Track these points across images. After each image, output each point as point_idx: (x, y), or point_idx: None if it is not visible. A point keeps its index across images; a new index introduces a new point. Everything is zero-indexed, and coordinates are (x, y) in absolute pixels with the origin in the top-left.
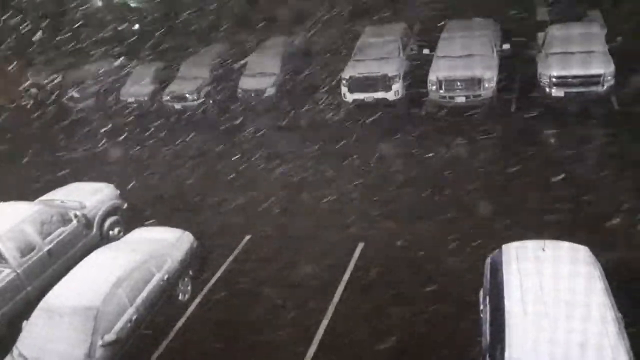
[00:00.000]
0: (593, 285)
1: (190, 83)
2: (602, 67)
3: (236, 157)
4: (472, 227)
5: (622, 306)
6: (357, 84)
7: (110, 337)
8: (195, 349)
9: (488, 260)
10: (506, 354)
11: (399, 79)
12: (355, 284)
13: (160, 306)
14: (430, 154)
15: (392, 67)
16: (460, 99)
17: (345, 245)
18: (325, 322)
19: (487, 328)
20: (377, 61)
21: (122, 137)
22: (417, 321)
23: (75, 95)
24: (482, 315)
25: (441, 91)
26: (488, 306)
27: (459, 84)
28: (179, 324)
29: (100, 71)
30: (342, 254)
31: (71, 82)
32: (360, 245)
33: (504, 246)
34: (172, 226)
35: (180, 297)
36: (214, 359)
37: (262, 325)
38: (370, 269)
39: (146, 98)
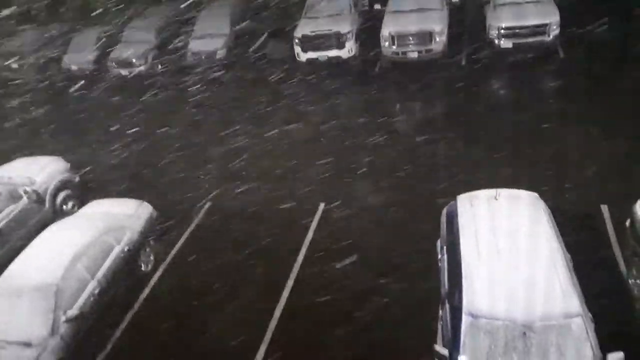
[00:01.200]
0: (543, 229)
1: (136, 47)
2: (548, 17)
3: (187, 124)
4: (423, 179)
5: (569, 247)
6: (310, 43)
7: (73, 312)
8: (161, 318)
9: (444, 211)
10: (464, 300)
11: (352, 36)
12: (318, 244)
13: (123, 278)
14: (382, 115)
15: (345, 25)
16: (413, 55)
17: (306, 206)
18: (290, 284)
19: (445, 277)
20: (328, 18)
21: (66, 106)
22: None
23: (14, 66)
24: (440, 265)
25: (394, 47)
26: (445, 255)
27: (410, 38)
28: (144, 294)
29: (40, 38)
30: (304, 215)
31: (8, 52)
32: (322, 206)
33: (458, 197)
34: (128, 197)
35: (143, 268)
36: (181, 326)
37: (228, 290)
38: (333, 229)
39: (90, 65)
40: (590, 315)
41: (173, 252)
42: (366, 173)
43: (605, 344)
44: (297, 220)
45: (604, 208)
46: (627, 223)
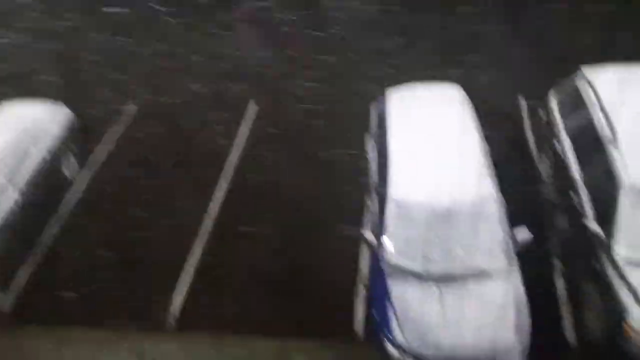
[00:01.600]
0: (465, 120)
1: None
2: None
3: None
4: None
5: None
6: None
7: None
8: (88, 222)
9: (373, 105)
10: (390, 187)
11: None
12: (254, 135)
13: (46, 186)
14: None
15: None
16: None
17: (237, 103)
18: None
19: (374, 168)
20: None
21: None
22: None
23: None
24: (369, 157)
25: None
26: (375, 147)
27: None
28: (68, 201)
29: None
30: (236, 112)
31: None
32: (252, 102)
33: (387, 90)
34: (43, 99)
35: (66, 174)
36: (111, 230)
37: (158, 192)
38: (265, 122)
39: None
40: (502, 197)
41: (98, 156)
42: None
43: (516, 222)
44: (230, 117)
45: (521, 99)
46: (540, 112)
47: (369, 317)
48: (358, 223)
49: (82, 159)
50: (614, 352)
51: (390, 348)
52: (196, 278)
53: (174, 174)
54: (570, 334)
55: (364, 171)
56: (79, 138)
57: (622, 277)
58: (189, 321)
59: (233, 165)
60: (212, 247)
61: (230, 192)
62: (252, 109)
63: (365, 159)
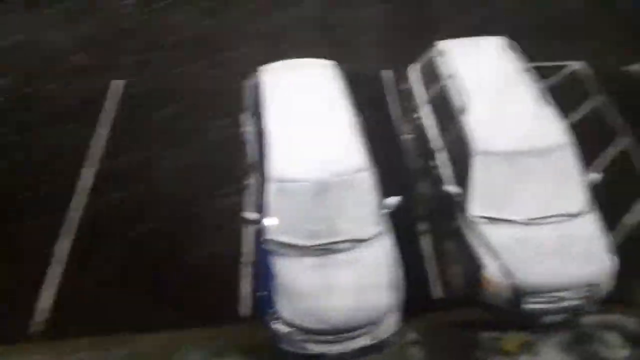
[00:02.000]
0: (337, 95)
1: None
2: None
3: None
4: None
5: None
6: None
7: None
8: None
9: (247, 83)
10: (269, 167)
11: None
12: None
13: None
14: None
15: None
16: None
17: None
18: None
19: (251, 147)
20: None
21: None
22: None
23: None
24: (246, 136)
25: None
26: (251, 126)
27: None
28: None
29: None
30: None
31: None
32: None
33: (261, 68)
34: None
35: None
36: None
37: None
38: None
39: None
40: (374, 168)
41: None
42: None
43: (386, 189)
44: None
45: (386, 72)
46: (403, 85)
47: (255, 297)
48: (239, 203)
49: None
50: (474, 302)
51: (275, 324)
52: (66, 275)
53: (32, 170)
54: (436, 288)
55: (241, 150)
56: None
57: (477, 233)
58: (61, 325)
59: (99, 151)
60: (82, 238)
61: (98, 178)
62: (115, 87)
63: (242, 138)
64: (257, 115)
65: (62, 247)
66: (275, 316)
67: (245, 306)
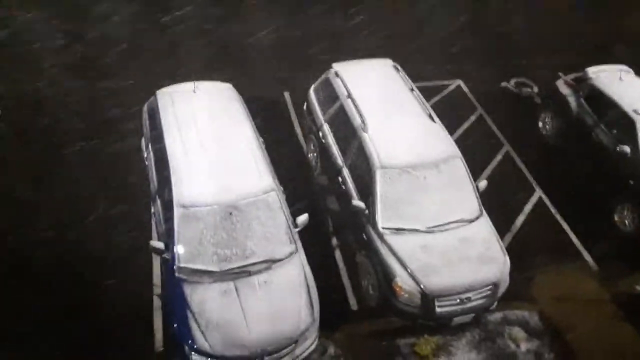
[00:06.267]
0: (238, 117)
1: None
2: None
3: None
4: None
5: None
6: None
7: None
8: None
9: (145, 108)
10: (173, 193)
11: None
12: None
13: None
14: None
15: None
16: None
17: None
18: None
19: (153, 173)
20: None
21: None
22: None
23: None
24: (147, 163)
25: None
26: (151, 152)
27: None
28: None
29: None
30: None
31: None
32: None
33: (158, 92)
34: None
35: None
36: None
37: None
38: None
39: None
40: (281, 187)
41: None
42: None
43: (294, 208)
44: None
45: (286, 94)
46: (304, 106)
47: (170, 329)
48: (146, 231)
49: None
50: (389, 311)
51: (195, 357)
52: None
53: None
54: (351, 299)
55: (144, 177)
56: None
57: (386, 244)
58: None
59: None
60: None
61: None
62: None
63: (144, 164)
64: (158, 139)
65: None
66: (194, 349)
67: (160, 340)
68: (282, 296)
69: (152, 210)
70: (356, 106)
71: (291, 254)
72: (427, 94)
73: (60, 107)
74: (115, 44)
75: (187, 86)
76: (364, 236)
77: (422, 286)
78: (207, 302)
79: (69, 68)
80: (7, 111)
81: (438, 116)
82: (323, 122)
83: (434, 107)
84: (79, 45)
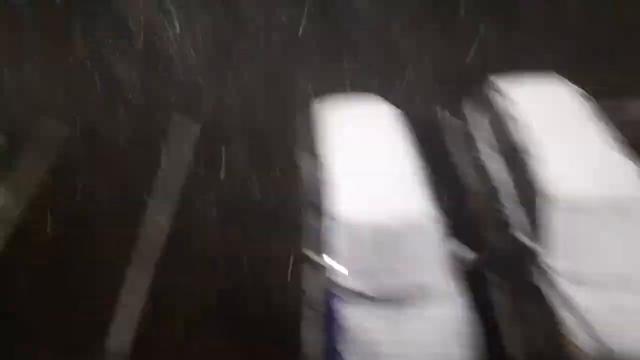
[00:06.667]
0: (398, 135)
1: None
2: None
3: None
4: None
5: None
6: None
7: None
8: None
9: (304, 118)
10: (336, 210)
11: None
12: None
13: None
14: None
15: None
16: None
17: None
18: None
19: (311, 185)
20: None
21: None
22: None
23: None
24: (304, 172)
25: None
26: (309, 163)
27: None
28: None
29: None
30: None
31: None
32: None
33: (315, 104)
34: None
35: None
36: None
37: None
38: None
39: None
40: (439, 213)
41: None
42: None
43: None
44: None
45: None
46: (458, 123)
47: (319, 341)
48: (296, 242)
49: None
50: None
51: None
52: None
53: None
54: (512, 347)
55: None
56: None
57: (561, 294)
58: None
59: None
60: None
61: None
62: None
63: (300, 176)
64: (317, 151)
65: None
66: None
67: (309, 351)
68: (437, 331)
69: (308, 221)
70: (524, 128)
71: (449, 287)
72: None
73: None
74: None
75: (342, 99)
76: (533, 279)
77: (605, 350)
78: (362, 323)
79: None
80: None
81: None
82: (482, 142)
83: None
84: None
